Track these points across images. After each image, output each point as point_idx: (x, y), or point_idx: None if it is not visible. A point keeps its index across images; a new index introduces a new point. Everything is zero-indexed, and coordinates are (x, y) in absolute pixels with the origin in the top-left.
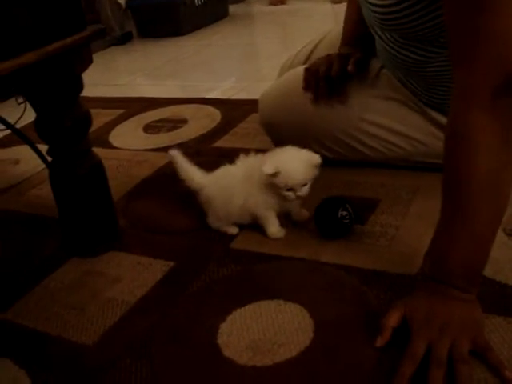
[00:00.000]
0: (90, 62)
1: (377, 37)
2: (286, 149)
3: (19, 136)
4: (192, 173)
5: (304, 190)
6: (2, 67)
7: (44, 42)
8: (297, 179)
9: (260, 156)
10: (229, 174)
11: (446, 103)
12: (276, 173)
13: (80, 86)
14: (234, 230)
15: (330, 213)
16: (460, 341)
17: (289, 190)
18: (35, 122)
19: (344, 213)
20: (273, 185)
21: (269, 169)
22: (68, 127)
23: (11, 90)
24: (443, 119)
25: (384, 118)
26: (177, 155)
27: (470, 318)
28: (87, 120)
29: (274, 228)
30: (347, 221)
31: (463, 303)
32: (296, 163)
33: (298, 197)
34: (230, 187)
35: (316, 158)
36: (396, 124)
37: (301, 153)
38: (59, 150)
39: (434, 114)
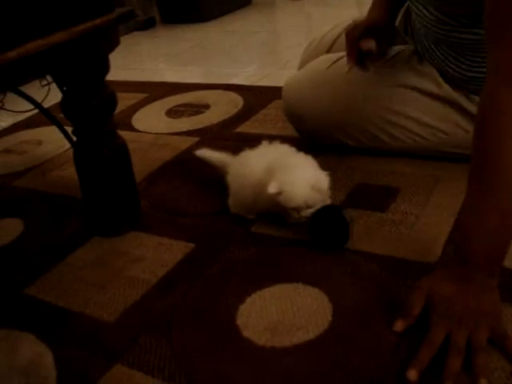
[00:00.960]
0: (117, 43)
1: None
2: (298, 164)
3: (46, 115)
4: (221, 159)
5: (308, 212)
6: (35, 45)
7: (74, 22)
8: (298, 203)
9: (281, 148)
10: (247, 164)
11: (473, 77)
12: (279, 192)
13: (107, 66)
14: (251, 216)
15: (334, 218)
16: (479, 329)
17: (293, 208)
18: (61, 102)
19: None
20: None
21: (272, 188)
22: (94, 107)
23: (38, 71)
24: (467, 104)
25: (409, 108)
26: (204, 152)
27: (490, 305)
28: (113, 101)
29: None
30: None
31: (484, 290)
32: (301, 186)
33: (301, 217)
34: (245, 177)
35: (323, 183)
36: (421, 114)
37: (310, 174)
38: (85, 130)
39: (460, 99)
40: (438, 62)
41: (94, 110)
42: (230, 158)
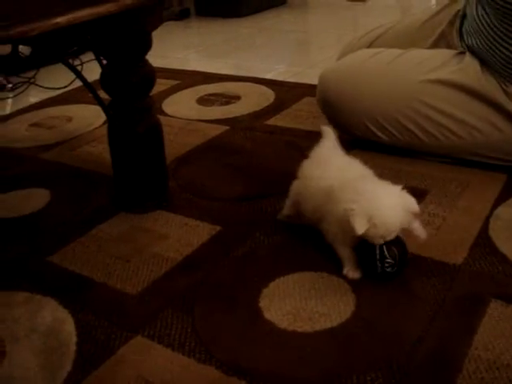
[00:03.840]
0: (161, 22)
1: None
2: (376, 187)
3: (87, 86)
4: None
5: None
6: (84, 13)
7: None
8: (394, 230)
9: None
10: (324, 172)
11: None
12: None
13: (149, 43)
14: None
15: (367, 255)
16: None
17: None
18: (101, 76)
19: (387, 259)
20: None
21: (361, 227)
22: (134, 83)
23: (84, 43)
24: (506, 102)
25: (444, 103)
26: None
27: None
28: (152, 79)
29: (349, 266)
30: (389, 268)
31: None
32: (392, 210)
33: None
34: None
35: (413, 204)
36: (456, 110)
37: (395, 194)
38: (122, 105)
39: (498, 96)
40: (486, 43)
41: (133, 86)
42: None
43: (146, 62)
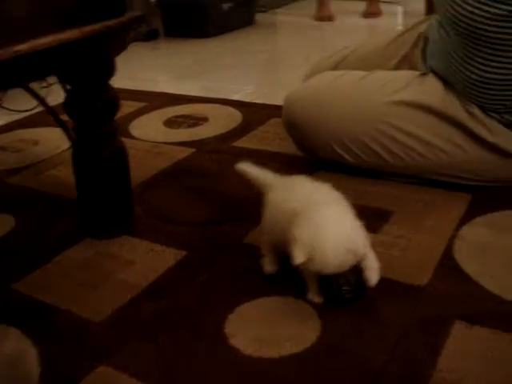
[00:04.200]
0: (124, 47)
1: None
2: (332, 217)
3: (50, 112)
4: (262, 177)
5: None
6: (46, 40)
7: (86, 21)
8: (333, 269)
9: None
10: (288, 191)
11: (492, 78)
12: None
13: (112, 69)
14: (268, 267)
15: (325, 281)
16: None
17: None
18: (65, 101)
19: (343, 286)
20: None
21: (298, 258)
22: (98, 107)
23: (46, 69)
24: (471, 123)
25: (409, 124)
26: (246, 166)
27: None
28: (115, 103)
29: (313, 290)
30: (348, 294)
31: None
32: (334, 249)
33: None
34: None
35: (358, 249)
36: (421, 131)
37: (345, 232)
38: (86, 130)
39: (463, 117)
40: (448, 65)
41: (97, 111)
42: (272, 177)
43: (110, 87)
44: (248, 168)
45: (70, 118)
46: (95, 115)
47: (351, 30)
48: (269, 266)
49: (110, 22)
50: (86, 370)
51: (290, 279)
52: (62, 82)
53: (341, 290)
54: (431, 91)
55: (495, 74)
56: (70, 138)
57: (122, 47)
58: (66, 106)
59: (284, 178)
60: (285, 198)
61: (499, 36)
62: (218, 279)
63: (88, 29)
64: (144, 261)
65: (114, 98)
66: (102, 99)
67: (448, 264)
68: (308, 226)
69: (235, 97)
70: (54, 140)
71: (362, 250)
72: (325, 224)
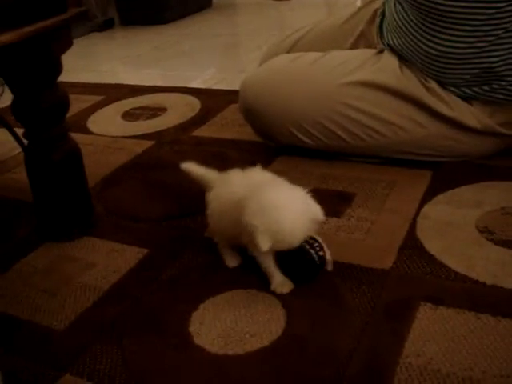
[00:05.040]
0: (70, 44)
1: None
2: (279, 197)
3: None
4: (205, 175)
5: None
6: None
7: (24, 22)
8: (298, 240)
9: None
10: (230, 184)
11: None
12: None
13: (59, 68)
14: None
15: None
16: None
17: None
18: (12, 104)
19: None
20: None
21: (265, 244)
22: (45, 109)
23: None
24: (426, 97)
25: (366, 103)
26: (189, 166)
27: None
28: (65, 103)
29: (276, 281)
30: (321, 252)
31: None
32: (295, 222)
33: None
34: (226, 197)
35: (318, 212)
36: (378, 110)
37: (299, 203)
38: (35, 133)
39: (418, 91)
40: (405, 40)
41: (44, 113)
42: (214, 175)
43: (58, 86)
44: (191, 167)
45: (18, 121)
46: (43, 118)
47: (310, 8)
48: (230, 260)
49: (49, 21)
50: (50, 381)
51: (252, 270)
52: (8, 84)
53: (316, 250)
54: (387, 69)
55: (453, 47)
56: (19, 142)
57: (67, 44)
58: (13, 109)
59: (224, 174)
60: (228, 191)
61: (455, 10)
62: (180, 276)
63: (25, 31)
64: (106, 262)
65: (62, 97)
66: (49, 100)
67: (412, 245)
68: (261, 209)
69: (194, 83)
70: (8, 142)
71: (321, 214)
72: (276, 202)
